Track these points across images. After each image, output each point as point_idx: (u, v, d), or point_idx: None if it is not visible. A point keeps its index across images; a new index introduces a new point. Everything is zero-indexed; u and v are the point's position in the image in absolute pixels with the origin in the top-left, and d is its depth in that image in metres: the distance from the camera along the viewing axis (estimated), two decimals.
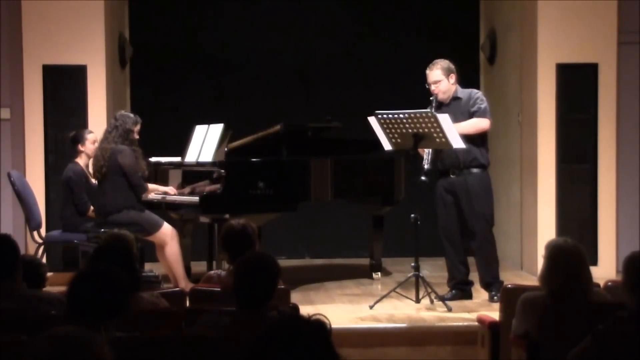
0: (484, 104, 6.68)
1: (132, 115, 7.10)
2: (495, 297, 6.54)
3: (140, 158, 7.02)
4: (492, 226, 6.84)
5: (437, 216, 6.86)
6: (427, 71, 6.72)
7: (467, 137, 6.56)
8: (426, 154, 6.53)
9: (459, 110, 6.67)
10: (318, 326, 2.28)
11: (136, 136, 7.03)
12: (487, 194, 6.74)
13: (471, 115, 6.65)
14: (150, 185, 7.15)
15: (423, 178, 6.41)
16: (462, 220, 6.73)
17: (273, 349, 2.22)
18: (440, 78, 6.66)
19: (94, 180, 7.18)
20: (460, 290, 6.83)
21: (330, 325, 2.30)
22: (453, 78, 6.71)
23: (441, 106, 6.68)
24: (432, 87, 6.68)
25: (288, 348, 2.21)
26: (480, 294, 6.83)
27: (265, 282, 3.69)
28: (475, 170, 6.68)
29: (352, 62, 9.45)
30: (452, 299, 6.68)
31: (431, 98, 6.68)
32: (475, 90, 6.84)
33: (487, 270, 6.74)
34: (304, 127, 7.58)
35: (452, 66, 6.73)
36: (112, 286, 3.29)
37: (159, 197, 7.15)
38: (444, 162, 6.71)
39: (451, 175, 6.69)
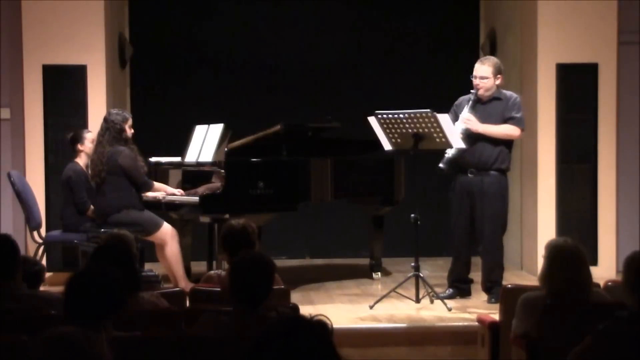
0: (520, 114, 6.65)
1: (120, 112, 7.07)
2: (493, 300, 6.54)
3: (138, 155, 7.02)
4: (504, 232, 6.80)
5: (450, 211, 6.81)
6: (478, 64, 6.66)
7: (494, 139, 6.56)
8: None
9: (495, 112, 6.63)
10: (319, 327, 2.28)
11: (129, 133, 7.00)
12: (502, 197, 6.69)
13: (505, 120, 6.62)
14: (157, 185, 7.14)
15: (441, 166, 6.41)
16: (473, 220, 6.71)
17: (274, 350, 2.22)
18: (488, 75, 6.61)
19: (93, 182, 7.18)
20: (458, 288, 6.82)
21: (331, 325, 2.30)
22: (500, 79, 6.66)
23: (478, 102, 6.63)
24: (477, 82, 6.62)
25: (289, 348, 2.21)
26: (480, 294, 6.83)
27: (260, 280, 3.69)
28: (494, 172, 6.65)
29: (352, 62, 9.45)
30: (450, 297, 6.68)
31: (472, 91, 6.62)
32: (514, 95, 6.76)
33: (490, 274, 6.72)
34: (304, 127, 7.58)
35: (502, 67, 6.71)
36: (107, 286, 3.29)
37: (159, 197, 7.13)
38: (466, 159, 6.64)
39: (469, 174, 6.65)
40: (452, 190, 6.78)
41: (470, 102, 6.59)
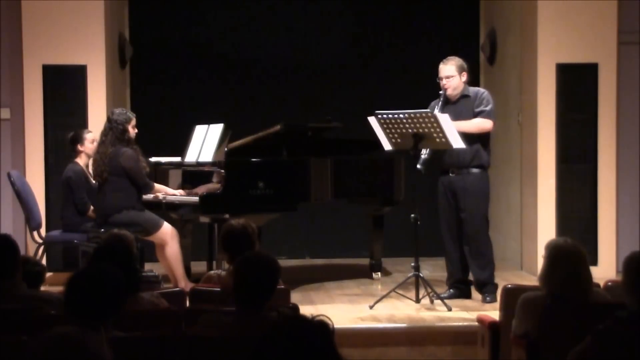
0: (489, 106, 6.66)
1: (124, 112, 7.05)
2: (488, 299, 6.59)
3: (140, 156, 7.01)
4: (488, 227, 6.82)
5: (438, 214, 6.85)
6: (441, 65, 6.71)
7: (469, 137, 6.55)
8: None
9: (465, 109, 6.67)
10: (321, 327, 2.28)
11: (132, 133, 6.98)
12: (484, 194, 6.73)
13: (475, 115, 6.65)
14: (158, 186, 7.13)
15: (419, 167, 6.42)
16: (458, 219, 6.72)
17: (276, 350, 2.22)
18: (453, 74, 6.65)
19: (94, 182, 7.18)
20: (458, 289, 6.82)
21: (333, 326, 2.31)
22: (465, 76, 6.70)
23: (448, 103, 6.68)
24: (443, 82, 6.67)
25: (291, 349, 2.21)
26: (479, 294, 6.83)
27: (265, 281, 3.69)
28: (474, 170, 6.68)
29: (352, 62, 9.45)
30: (450, 297, 6.67)
31: (440, 92, 6.67)
32: (482, 90, 6.84)
33: (481, 272, 6.73)
34: (304, 127, 7.58)
35: (465, 65, 6.74)
36: (108, 285, 3.29)
37: (159, 197, 7.12)
38: (445, 160, 6.70)
39: (450, 174, 6.70)
40: (438, 192, 6.80)
41: (440, 103, 6.63)
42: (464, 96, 6.72)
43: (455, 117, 6.59)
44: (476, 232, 6.68)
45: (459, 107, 6.69)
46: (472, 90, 6.79)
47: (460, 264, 6.82)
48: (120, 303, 3.32)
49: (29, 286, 4.36)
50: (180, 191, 7.12)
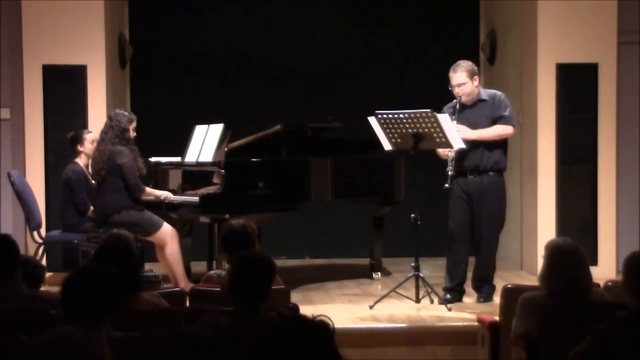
0: (508, 110, 6.62)
1: (126, 113, 7.07)
2: (482, 299, 6.63)
3: (138, 157, 7.01)
4: (501, 230, 6.81)
5: (447, 214, 6.80)
6: (451, 73, 6.58)
7: (490, 142, 6.54)
8: (450, 159, 6.46)
9: (484, 113, 6.59)
10: (321, 327, 2.28)
11: (132, 134, 6.99)
12: (501, 198, 6.69)
13: (495, 120, 6.59)
14: (147, 189, 7.11)
15: (447, 185, 6.40)
16: (472, 221, 6.70)
17: (277, 350, 2.22)
18: (465, 81, 6.54)
19: (93, 181, 7.17)
20: (459, 292, 6.80)
21: (333, 326, 2.30)
22: (477, 80, 6.60)
23: (464, 109, 6.61)
24: (456, 90, 6.55)
25: (292, 349, 2.21)
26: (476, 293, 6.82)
27: (261, 280, 3.69)
28: (492, 173, 6.64)
29: (352, 61, 9.45)
30: (452, 300, 6.66)
31: (455, 100, 6.59)
32: (499, 93, 6.74)
33: (485, 274, 6.74)
34: (304, 127, 7.58)
35: (475, 68, 6.65)
36: (103, 285, 3.28)
37: (161, 197, 7.11)
38: (464, 164, 6.60)
39: (469, 176, 6.63)
40: (451, 193, 6.69)
41: (456, 110, 6.55)
42: (480, 100, 6.63)
43: (474, 121, 6.56)
44: (489, 235, 6.66)
45: (476, 111, 6.61)
46: (489, 93, 6.70)
47: (464, 266, 6.77)
48: (116, 302, 3.31)
49: (29, 287, 4.36)
50: (169, 194, 7.07)
